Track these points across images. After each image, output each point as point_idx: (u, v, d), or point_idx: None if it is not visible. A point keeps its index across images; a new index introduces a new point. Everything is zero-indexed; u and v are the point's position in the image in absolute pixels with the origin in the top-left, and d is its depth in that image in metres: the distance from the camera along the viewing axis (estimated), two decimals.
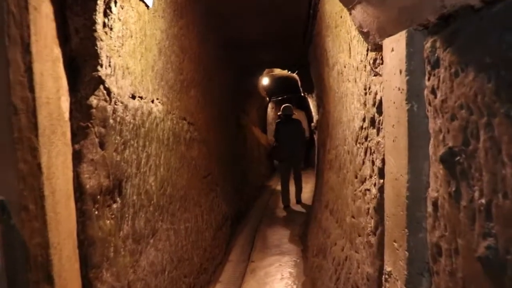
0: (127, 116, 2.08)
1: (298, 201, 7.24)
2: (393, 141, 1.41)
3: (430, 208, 1.20)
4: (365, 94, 1.84)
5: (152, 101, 2.52)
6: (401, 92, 1.32)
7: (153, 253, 2.46)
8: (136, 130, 2.23)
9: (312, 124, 7.05)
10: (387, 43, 1.45)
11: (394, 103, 1.39)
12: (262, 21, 4.34)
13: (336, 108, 2.70)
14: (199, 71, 3.76)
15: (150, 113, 2.46)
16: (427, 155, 1.22)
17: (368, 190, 1.75)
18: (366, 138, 1.83)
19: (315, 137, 7.06)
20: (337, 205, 2.52)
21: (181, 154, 3.12)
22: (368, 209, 1.75)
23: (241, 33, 4.68)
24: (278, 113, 7.26)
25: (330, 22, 2.63)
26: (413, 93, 1.26)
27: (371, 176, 1.73)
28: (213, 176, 4.16)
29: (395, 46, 1.37)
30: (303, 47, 4.84)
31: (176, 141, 3.03)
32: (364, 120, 1.87)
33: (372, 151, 1.71)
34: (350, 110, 2.15)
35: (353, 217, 2.03)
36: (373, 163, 1.70)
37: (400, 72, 1.32)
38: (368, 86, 1.79)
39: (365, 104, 1.85)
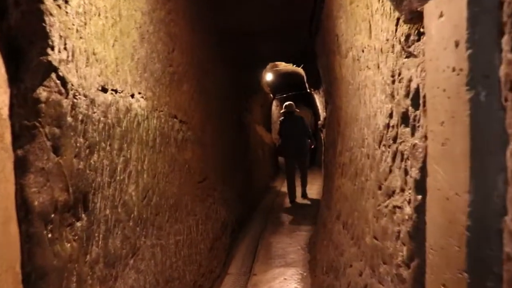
0: (94, 113, 1.68)
1: (304, 195, 7.43)
2: (443, 144, 1.00)
3: (510, 248, 0.79)
4: (393, 82, 1.43)
5: (132, 96, 2.13)
6: (457, 74, 0.91)
7: (133, 276, 2.06)
8: (109, 130, 1.83)
9: (319, 122, 6.65)
10: (432, 6, 1.03)
11: (444, 90, 0.98)
12: (263, 7, 3.93)
13: (350, 103, 2.29)
14: (193, 63, 3.36)
15: (129, 109, 2.07)
16: (502, 166, 0.82)
17: (399, 207, 1.35)
18: (394, 139, 1.42)
19: (322, 136, 6.65)
20: (352, 218, 2.11)
21: (171, 157, 2.73)
22: (399, 232, 1.34)
23: (240, 21, 4.27)
24: (281, 111, 7.53)
25: None
26: (479, 73, 0.86)
27: (402, 190, 1.32)
28: (210, 180, 3.76)
29: (447, 9, 0.96)
30: (310, 37, 4.42)
31: (165, 142, 2.64)
32: (391, 116, 1.46)
33: (405, 156, 1.30)
34: (371, 104, 1.74)
35: (375, 238, 1.62)
36: (406, 172, 1.29)
37: (457, 44, 0.91)
38: (397, 71, 1.38)
39: (392, 96, 1.44)
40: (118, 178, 1.93)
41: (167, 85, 2.73)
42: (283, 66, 8.27)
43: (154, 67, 2.48)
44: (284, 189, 8.48)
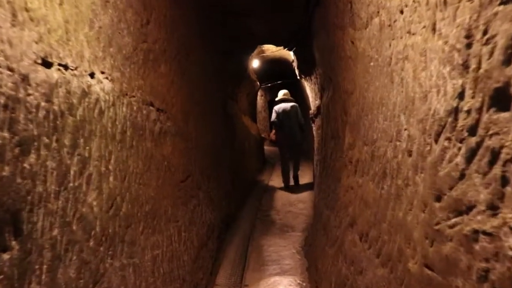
0: (29, 95, 1.18)
1: (296, 182, 7.63)
2: None
3: None
4: (469, 46, 0.97)
5: (92, 75, 1.62)
6: None
7: None
8: (55, 121, 1.33)
9: (310, 111, 6.20)
10: None
11: None
12: None
13: (371, 84, 1.83)
14: (173, 41, 2.85)
15: (86, 93, 1.56)
16: None
17: (487, 234, 0.90)
18: (472, 130, 0.97)
19: (314, 126, 6.21)
20: (378, 231, 1.66)
21: (146, 153, 2.23)
22: (486, 271, 0.89)
23: None
24: (276, 99, 7.75)
25: None
26: None
27: (492, 208, 0.88)
28: (194, 178, 3.27)
29: None
30: (305, 14, 3.94)
31: (138, 135, 2.14)
32: (461, 96, 1.00)
33: (502, 157, 0.85)
34: (417, 82, 1.28)
35: (428, 267, 1.17)
36: (504, 181, 0.84)
37: None
38: (481, 28, 0.92)
39: (466, 66, 0.98)
40: (71, 185, 1.43)
41: (140, 65, 2.22)
42: (270, 52, 7.77)
43: (122, 41, 1.97)
44: (272, 183, 8.06)
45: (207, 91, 4.23)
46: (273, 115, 7.56)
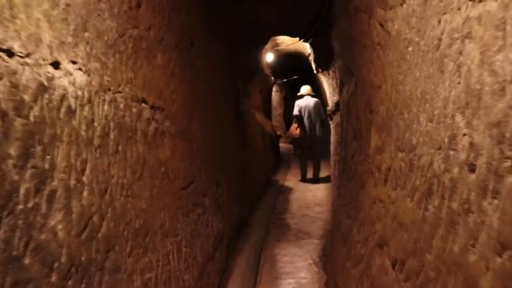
0: None
1: (316, 179, 7.61)
2: None
3: None
4: None
5: (56, 65, 1.29)
6: None
7: None
8: None
9: (328, 108, 5.81)
10: None
11: None
12: None
13: (409, 75, 1.46)
14: (172, 28, 2.51)
15: (46, 87, 1.23)
16: None
17: None
18: None
19: (332, 124, 5.82)
20: (419, 263, 1.30)
21: (136, 159, 1.90)
22: None
23: None
24: (298, 94, 7.85)
25: None
26: None
27: None
28: (198, 183, 2.93)
29: None
30: (322, 1, 3.55)
31: (126, 138, 1.81)
32: None
33: None
34: (486, 69, 0.91)
35: None
36: None
37: None
38: None
39: None
40: (20, 207, 1.10)
41: (129, 55, 1.88)
42: (285, 45, 7.37)
43: (103, 25, 1.64)
44: (288, 183, 7.70)
45: (215, 86, 3.88)
46: (296, 109, 7.61)
